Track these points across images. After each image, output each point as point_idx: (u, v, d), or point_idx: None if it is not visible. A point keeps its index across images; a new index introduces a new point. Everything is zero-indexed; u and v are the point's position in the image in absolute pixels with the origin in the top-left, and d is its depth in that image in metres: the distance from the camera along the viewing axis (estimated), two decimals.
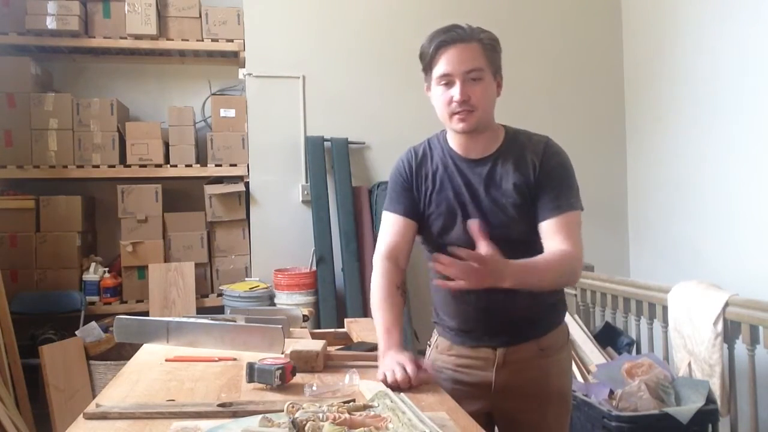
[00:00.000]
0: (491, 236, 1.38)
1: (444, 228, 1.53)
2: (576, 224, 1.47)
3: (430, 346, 1.67)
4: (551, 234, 1.45)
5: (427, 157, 1.57)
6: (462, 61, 1.43)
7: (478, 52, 1.45)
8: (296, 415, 0.98)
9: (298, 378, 1.34)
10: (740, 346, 2.41)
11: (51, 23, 3.49)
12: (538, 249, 1.47)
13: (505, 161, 1.51)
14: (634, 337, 2.95)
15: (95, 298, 3.48)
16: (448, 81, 1.45)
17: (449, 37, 1.45)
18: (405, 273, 1.59)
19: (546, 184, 1.47)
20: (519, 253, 1.39)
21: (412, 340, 3.41)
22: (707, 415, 2.33)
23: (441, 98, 1.47)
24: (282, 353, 1.51)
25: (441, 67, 1.45)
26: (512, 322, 1.51)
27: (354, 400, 1.14)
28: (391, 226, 1.59)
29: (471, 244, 1.35)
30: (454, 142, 1.55)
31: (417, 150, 1.60)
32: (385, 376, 1.33)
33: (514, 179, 1.48)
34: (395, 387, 1.29)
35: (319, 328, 3.18)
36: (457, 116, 1.45)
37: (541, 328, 1.56)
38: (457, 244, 1.37)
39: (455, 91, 1.44)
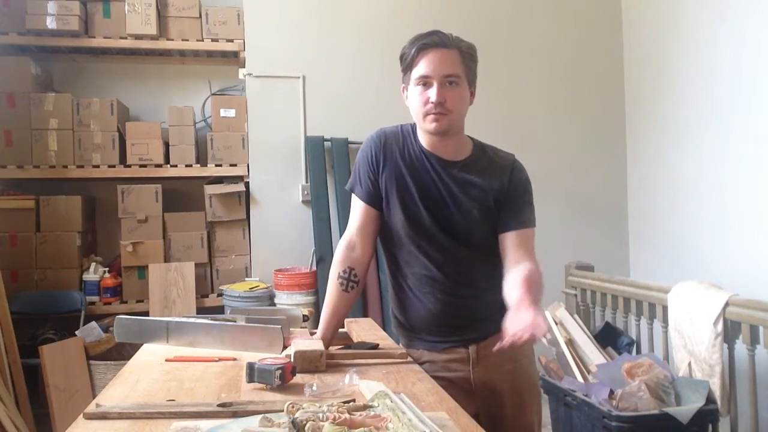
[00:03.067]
0: (454, 237, 1.54)
1: (408, 221, 1.57)
2: (533, 240, 1.60)
3: None
4: (514, 246, 1.55)
5: (398, 142, 1.62)
6: (441, 65, 1.49)
7: (457, 59, 1.51)
8: (296, 415, 0.98)
9: (298, 378, 1.34)
10: (740, 346, 2.41)
11: (51, 23, 3.49)
12: (493, 255, 1.58)
13: (474, 169, 1.58)
14: (634, 337, 2.95)
15: (95, 298, 3.48)
16: (426, 82, 1.51)
17: (431, 40, 1.50)
18: (366, 258, 1.63)
19: (512, 200, 1.57)
20: (476, 257, 1.56)
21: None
22: (707, 415, 2.33)
23: (418, 98, 1.52)
24: (281, 353, 1.51)
25: (421, 68, 1.51)
26: (477, 318, 1.59)
27: (354, 400, 1.14)
28: (356, 211, 1.65)
29: (434, 239, 1.54)
30: (425, 141, 1.59)
31: (388, 133, 1.64)
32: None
33: (482, 186, 1.56)
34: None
35: None
36: (431, 116, 1.50)
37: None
38: (420, 239, 1.55)
39: (432, 93, 1.49)
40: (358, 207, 1.64)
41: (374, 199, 1.61)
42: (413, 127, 1.63)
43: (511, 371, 1.60)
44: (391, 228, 1.61)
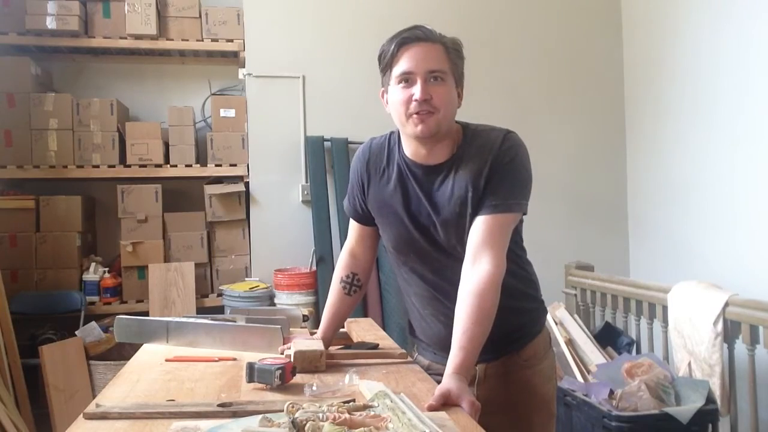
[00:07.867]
0: (450, 254, 1.42)
1: (399, 243, 1.49)
2: (506, 227, 1.37)
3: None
4: (476, 235, 1.35)
5: (382, 156, 1.50)
6: (425, 60, 1.34)
7: (442, 54, 1.37)
8: (296, 415, 0.98)
9: (298, 378, 1.34)
10: (740, 346, 2.42)
11: (51, 23, 3.49)
12: None
13: (460, 167, 1.39)
14: (634, 337, 2.96)
15: (95, 298, 3.48)
16: (408, 79, 1.35)
17: (413, 34, 1.36)
18: (369, 264, 1.64)
19: (492, 181, 1.37)
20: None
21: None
22: (707, 415, 2.33)
23: (399, 97, 1.36)
24: (281, 353, 1.51)
25: (402, 64, 1.35)
26: (491, 339, 1.32)
27: (354, 400, 1.14)
28: (352, 227, 1.62)
29: (429, 259, 1.44)
30: (408, 148, 1.44)
31: (373, 147, 1.54)
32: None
33: (466, 187, 1.38)
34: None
35: None
36: (416, 117, 1.34)
37: (522, 339, 1.50)
38: (414, 262, 1.46)
39: (416, 89, 1.33)
40: (353, 224, 1.61)
41: (366, 219, 1.56)
42: (396, 135, 1.49)
43: (521, 390, 1.49)
44: (386, 247, 1.55)
